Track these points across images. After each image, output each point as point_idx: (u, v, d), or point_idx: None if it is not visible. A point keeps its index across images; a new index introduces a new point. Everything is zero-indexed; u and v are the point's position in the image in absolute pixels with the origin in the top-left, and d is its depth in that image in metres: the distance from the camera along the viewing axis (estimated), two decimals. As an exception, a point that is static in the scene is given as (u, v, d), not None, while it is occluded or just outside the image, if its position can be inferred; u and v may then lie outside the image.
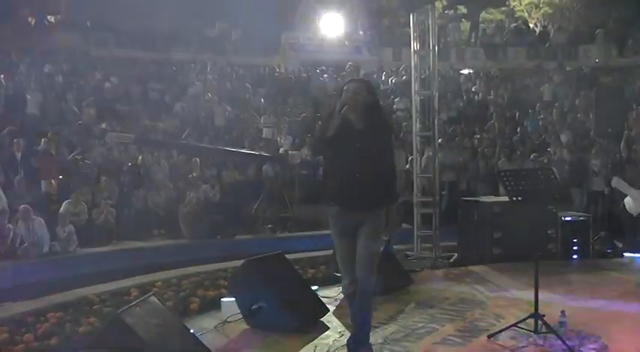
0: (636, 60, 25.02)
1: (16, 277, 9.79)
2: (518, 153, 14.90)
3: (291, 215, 13.30)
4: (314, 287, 7.01)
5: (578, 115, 18.03)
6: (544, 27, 30.98)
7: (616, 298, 7.00)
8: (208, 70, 20.87)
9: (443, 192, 12.14)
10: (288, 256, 6.86)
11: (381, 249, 6.12)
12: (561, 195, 6.06)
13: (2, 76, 15.54)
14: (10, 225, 10.43)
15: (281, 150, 15.20)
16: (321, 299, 6.53)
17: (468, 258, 9.04)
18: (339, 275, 7.28)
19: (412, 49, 9.77)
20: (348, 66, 23.33)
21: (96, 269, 10.65)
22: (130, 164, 13.67)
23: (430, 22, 9.51)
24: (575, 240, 9.20)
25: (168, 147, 15.40)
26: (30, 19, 22.27)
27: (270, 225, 13.15)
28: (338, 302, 6.77)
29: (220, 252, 11.71)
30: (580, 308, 6.48)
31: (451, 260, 9.07)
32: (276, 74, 22.46)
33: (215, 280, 7.59)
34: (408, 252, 9.27)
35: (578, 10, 32.59)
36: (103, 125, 14.62)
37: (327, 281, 7.71)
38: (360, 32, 26.36)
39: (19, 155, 12.86)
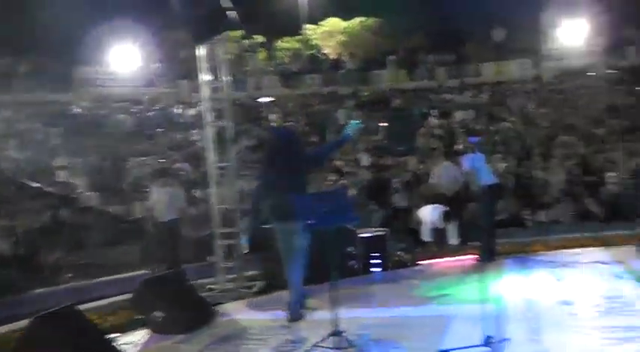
0: (424, 83, 26.88)
1: None
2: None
3: (92, 260, 12.58)
4: (115, 335, 6.67)
5: (374, 137, 18.92)
6: (338, 55, 32.41)
7: (414, 304, 7.32)
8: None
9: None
10: (89, 305, 6.46)
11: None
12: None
13: None
14: None
15: (77, 192, 14.47)
16: (121, 347, 6.21)
17: (272, 284, 9.02)
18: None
19: (201, 81, 9.70)
20: (145, 99, 22.91)
21: None
22: None
23: (220, 53, 9.52)
24: (373, 255, 9.54)
25: None
26: None
27: (70, 274, 12.37)
28: (139, 347, 6.47)
29: (13, 311, 10.81)
30: (380, 318, 6.71)
31: (254, 288, 9.02)
32: (69, 112, 21.41)
33: (6, 343, 6.89)
34: (211, 286, 9.10)
35: (369, 38, 34.55)
36: None
37: (129, 327, 7.34)
38: (156, 64, 25.91)
39: None
